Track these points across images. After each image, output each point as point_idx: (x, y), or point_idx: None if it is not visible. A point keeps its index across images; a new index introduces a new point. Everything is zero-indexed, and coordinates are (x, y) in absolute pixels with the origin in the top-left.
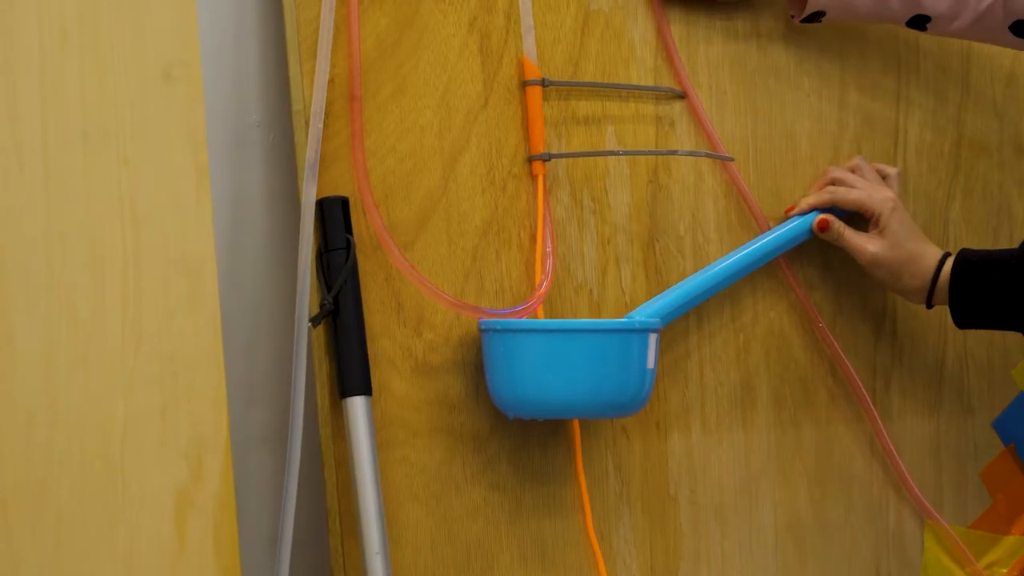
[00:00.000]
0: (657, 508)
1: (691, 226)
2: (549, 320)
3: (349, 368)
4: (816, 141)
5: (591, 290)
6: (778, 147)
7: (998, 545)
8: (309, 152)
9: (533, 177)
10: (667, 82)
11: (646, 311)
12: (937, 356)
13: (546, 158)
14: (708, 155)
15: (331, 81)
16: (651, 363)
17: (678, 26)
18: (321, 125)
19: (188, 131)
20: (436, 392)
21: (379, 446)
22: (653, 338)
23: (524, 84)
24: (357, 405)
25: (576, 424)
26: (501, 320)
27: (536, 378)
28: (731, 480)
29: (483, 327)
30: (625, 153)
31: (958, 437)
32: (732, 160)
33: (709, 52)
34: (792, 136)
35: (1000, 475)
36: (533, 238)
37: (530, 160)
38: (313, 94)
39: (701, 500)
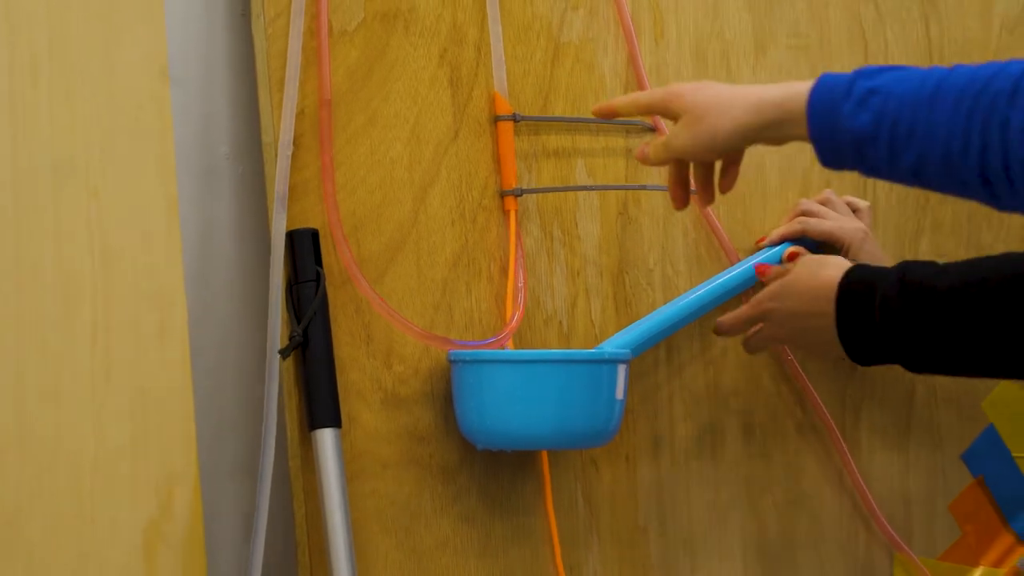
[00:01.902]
0: (626, 540)
1: (660, 259)
2: (519, 351)
3: (318, 400)
4: (786, 173)
5: (561, 322)
6: (748, 180)
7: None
8: (279, 184)
9: (505, 212)
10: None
11: (616, 342)
12: (906, 389)
13: (518, 193)
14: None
15: (301, 113)
16: (620, 394)
17: (648, 58)
18: (290, 157)
19: (158, 163)
20: (405, 424)
21: (348, 478)
22: (623, 369)
23: (496, 119)
24: (326, 437)
25: (545, 457)
26: (471, 351)
27: (505, 409)
28: (701, 512)
29: (452, 358)
30: (596, 188)
31: (927, 469)
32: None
33: (679, 83)
34: (762, 168)
35: (969, 507)
36: (503, 270)
37: (502, 195)
38: (282, 126)
39: (671, 532)
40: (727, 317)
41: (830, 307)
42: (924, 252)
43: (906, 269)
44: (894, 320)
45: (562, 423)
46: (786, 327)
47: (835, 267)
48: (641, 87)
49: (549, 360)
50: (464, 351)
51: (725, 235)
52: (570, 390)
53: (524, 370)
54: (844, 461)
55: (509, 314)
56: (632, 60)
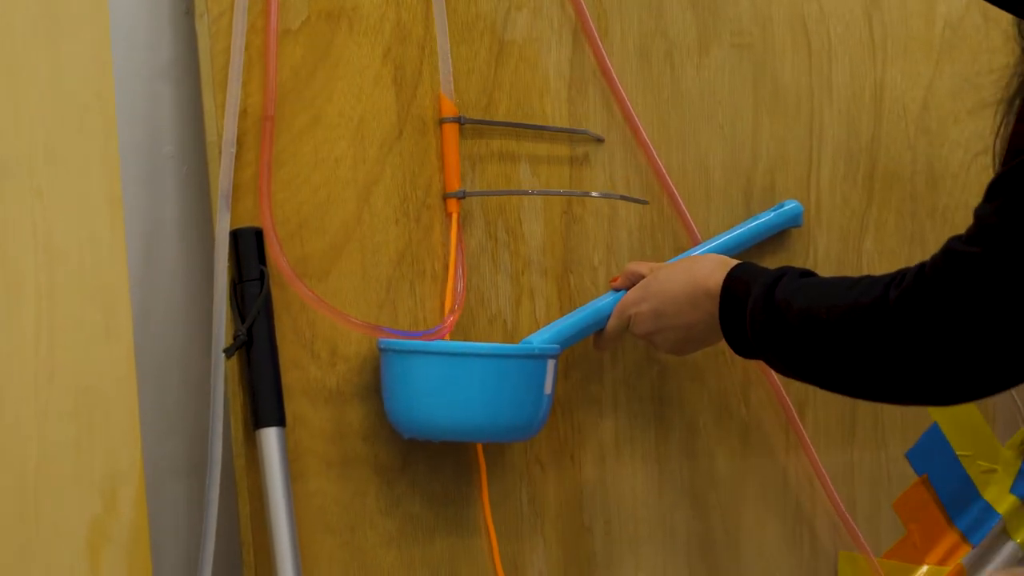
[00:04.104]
0: (571, 540)
1: (605, 258)
2: (447, 343)
3: (263, 399)
4: (730, 172)
5: (505, 321)
6: (691, 178)
7: (912, 574)
8: (222, 183)
9: (447, 214)
10: (580, 112)
11: (544, 336)
12: None
13: (461, 195)
14: (623, 197)
15: (244, 112)
16: (548, 389)
17: (591, 58)
18: (234, 155)
19: (102, 163)
20: (350, 423)
21: (293, 477)
22: (551, 364)
23: (441, 121)
24: (271, 436)
25: (481, 454)
26: (401, 341)
27: (433, 400)
28: (645, 511)
29: (382, 347)
30: (539, 193)
31: (871, 468)
32: (646, 203)
33: (623, 83)
34: (705, 167)
35: (913, 506)
36: (447, 269)
37: (444, 197)
38: (225, 125)
39: (615, 531)
40: (599, 339)
41: (708, 303)
42: (868, 251)
43: (779, 278)
44: (757, 329)
45: (489, 416)
46: (656, 324)
47: (715, 264)
48: (606, 76)
49: (477, 353)
50: (393, 340)
51: (693, 226)
52: (498, 384)
53: (452, 362)
54: (808, 455)
55: (447, 311)
56: (596, 55)
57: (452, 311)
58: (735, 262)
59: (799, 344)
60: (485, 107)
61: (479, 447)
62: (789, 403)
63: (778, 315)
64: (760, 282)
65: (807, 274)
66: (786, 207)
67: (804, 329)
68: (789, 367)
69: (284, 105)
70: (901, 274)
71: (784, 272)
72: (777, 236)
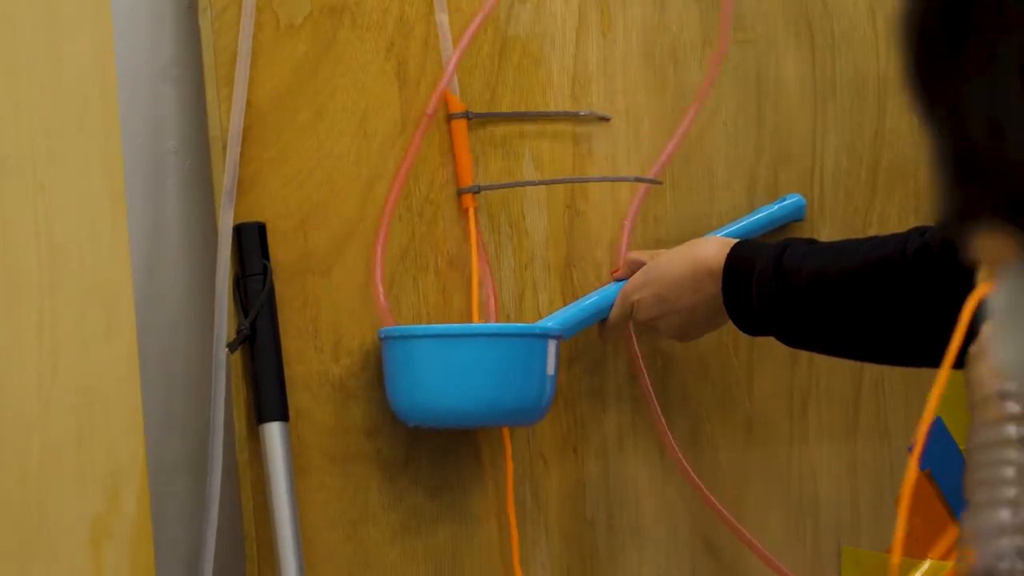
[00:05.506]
0: (574, 534)
1: (608, 252)
2: (445, 325)
3: (266, 394)
4: (733, 166)
5: (509, 315)
6: (695, 173)
7: (915, 569)
8: (226, 178)
9: (463, 211)
10: (584, 108)
11: (550, 320)
12: (854, 380)
13: (476, 191)
14: (637, 179)
15: (248, 107)
16: (551, 369)
17: (595, 52)
18: (238, 151)
19: (105, 158)
20: (353, 418)
21: (296, 472)
22: (552, 344)
23: (449, 118)
24: (274, 431)
25: (508, 441)
26: (401, 327)
27: (436, 384)
28: (649, 505)
29: (383, 335)
30: (552, 182)
31: (875, 461)
32: (660, 183)
33: (627, 77)
34: (709, 162)
35: (917, 500)
36: (450, 264)
37: (459, 193)
38: (230, 120)
39: (619, 525)
40: (603, 329)
41: (711, 283)
42: None
43: (785, 248)
44: (764, 300)
45: (492, 399)
46: (659, 309)
47: (716, 244)
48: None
49: (478, 334)
50: (394, 327)
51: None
52: (499, 364)
53: (453, 344)
54: (679, 464)
55: (475, 307)
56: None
57: (485, 305)
58: (735, 241)
59: (810, 308)
60: (488, 102)
61: (505, 432)
62: (660, 414)
63: (787, 282)
64: (765, 255)
65: (811, 242)
66: (789, 201)
67: (815, 291)
68: (798, 336)
69: (287, 100)
70: (919, 230)
71: (789, 243)
72: (780, 230)
